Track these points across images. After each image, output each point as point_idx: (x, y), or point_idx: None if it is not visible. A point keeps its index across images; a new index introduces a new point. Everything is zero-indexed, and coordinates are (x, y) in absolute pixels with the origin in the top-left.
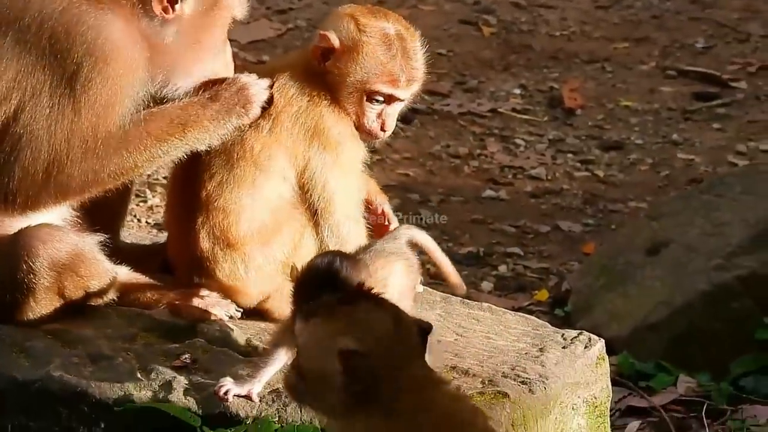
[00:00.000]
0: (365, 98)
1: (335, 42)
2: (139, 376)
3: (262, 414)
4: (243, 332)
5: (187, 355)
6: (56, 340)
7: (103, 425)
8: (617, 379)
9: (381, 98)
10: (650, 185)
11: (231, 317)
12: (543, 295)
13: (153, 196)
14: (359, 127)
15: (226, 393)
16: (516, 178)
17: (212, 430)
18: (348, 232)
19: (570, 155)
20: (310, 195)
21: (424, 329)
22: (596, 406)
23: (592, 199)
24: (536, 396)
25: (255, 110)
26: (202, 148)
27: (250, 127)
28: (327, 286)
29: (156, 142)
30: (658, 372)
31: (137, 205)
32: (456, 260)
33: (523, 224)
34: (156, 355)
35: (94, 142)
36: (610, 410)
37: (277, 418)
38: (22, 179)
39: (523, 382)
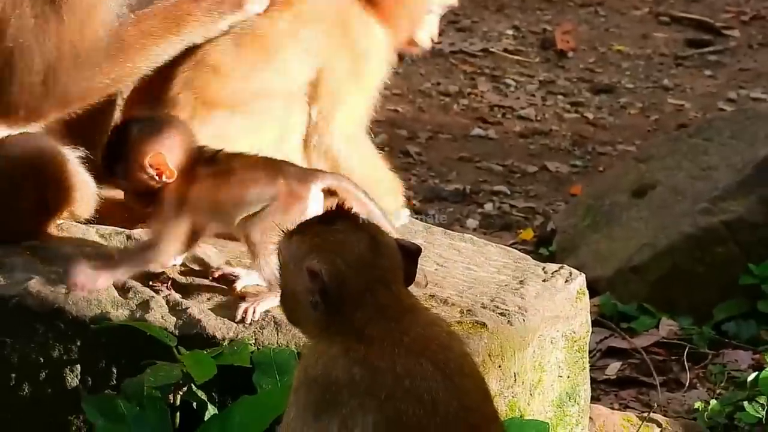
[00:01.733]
0: (425, 8)
1: None
2: (116, 294)
3: (239, 336)
4: (222, 255)
5: (165, 275)
6: (34, 257)
7: (79, 343)
8: (599, 320)
9: (438, 8)
10: (639, 129)
11: None
12: (528, 234)
13: None
14: (408, 39)
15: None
16: (505, 117)
17: (188, 351)
18: (339, 152)
19: (560, 97)
20: (312, 100)
21: (411, 251)
22: (575, 341)
23: (580, 141)
24: (515, 328)
25: (251, 5)
26: (200, 41)
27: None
28: None
29: (152, 40)
30: (640, 314)
31: None
32: (442, 197)
33: (510, 164)
34: (134, 274)
35: (83, 47)
36: (591, 351)
37: (253, 341)
38: (20, 92)
39: (501, 314)
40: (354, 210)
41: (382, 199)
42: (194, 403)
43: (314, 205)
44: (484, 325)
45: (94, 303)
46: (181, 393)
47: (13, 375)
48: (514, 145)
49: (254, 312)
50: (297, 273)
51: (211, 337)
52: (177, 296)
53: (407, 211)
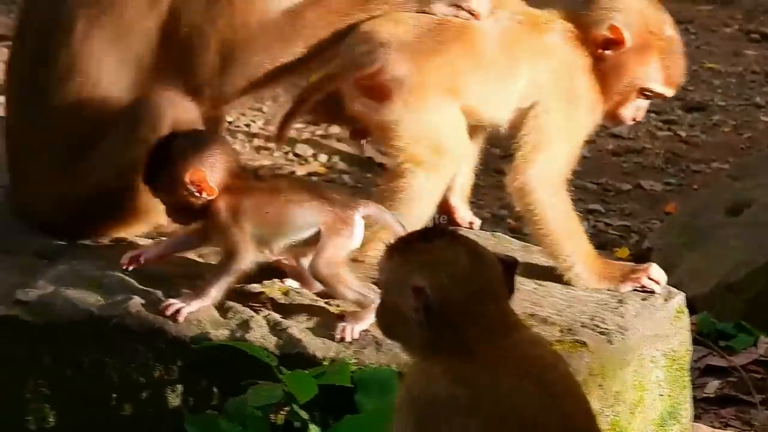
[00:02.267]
0: (636, 93)
1: (627, 40)
2: (216, 315)
3: (340, 356)
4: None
5: (264, 295)
6: (134, 277)
7: (180, 363)
8: (697, 338)
9: (650, 95)
10: (733, 147)
11: None
12: (624, 252)
13: None
14: (612, 112)
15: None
16: (598, 136)
17: (289, 370)
18: (534, 193)
19: (653, 115)
20: (516, 128)
21: (509, 264)
22: (675, 360)
23: (674, 159)
24: (615, 347)
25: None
26: None
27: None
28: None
29: (339, 18)
30: (738, 332)
31: None
32: None
33: (604, 182)
34: (234, 294)
35: (261, 26)
36: (690, 369)
37: (354, 360)
38: (201, 75)
39: (602, 333)
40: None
41: (567, 260)
42: (296, 423)
43: (358, 232)
44: (584, 344)
45: (195, 323)
46: (283, 413)
47: (115, 395)
48: (607, 163)
49: (353, 331)
50: (400, 291)
51: (311, 356)
52: (277, 316)
53: (594, 279)
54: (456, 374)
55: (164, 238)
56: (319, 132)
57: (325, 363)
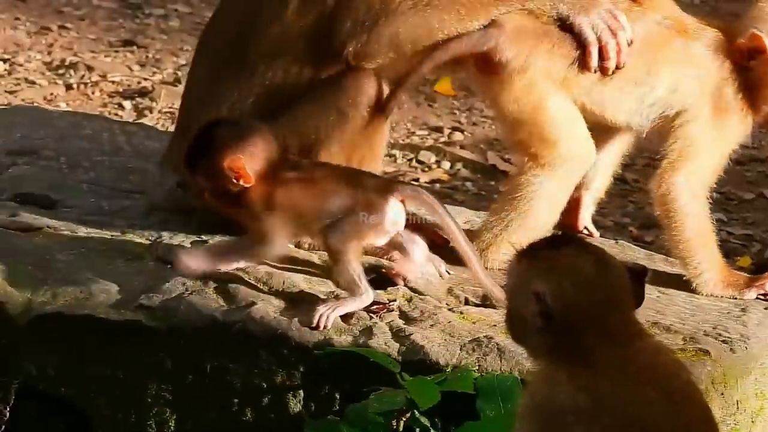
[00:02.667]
0: None
1: None
2: (339, 321)
3: (462, 362)
4: (446, 282)
5: (388, 302)
6: (257, 282)
7: (302, 368)
8: None
9: None
10: None
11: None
12: (745, 261)
13: None
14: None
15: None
16: None
17: (411, 377)
18: (677, 200)
19: None
20: (661, 135)
21: (638, 273)
22: None
23: None
24: (737, 356)
25: (594, 19)
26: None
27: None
28: None
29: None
30: None
31: None
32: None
33: (727, 191)
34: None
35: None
36: None
37: (477, 367)
38: (344, 34)
39: (724, 341)
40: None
41: (697, 268)
42: (417, 429)
43: (393, 216)
44: (707, 352)
45: (318, 329)
46: (404, 419)
47: (236, 400)
48: (730, 172)
49: (328, 318)
50: (523, 295)
51: (434, 363)
52: (400, 322)
53: (720, 287)
54: (579, 381)
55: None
56: (442, 139)
57: (447, 370)
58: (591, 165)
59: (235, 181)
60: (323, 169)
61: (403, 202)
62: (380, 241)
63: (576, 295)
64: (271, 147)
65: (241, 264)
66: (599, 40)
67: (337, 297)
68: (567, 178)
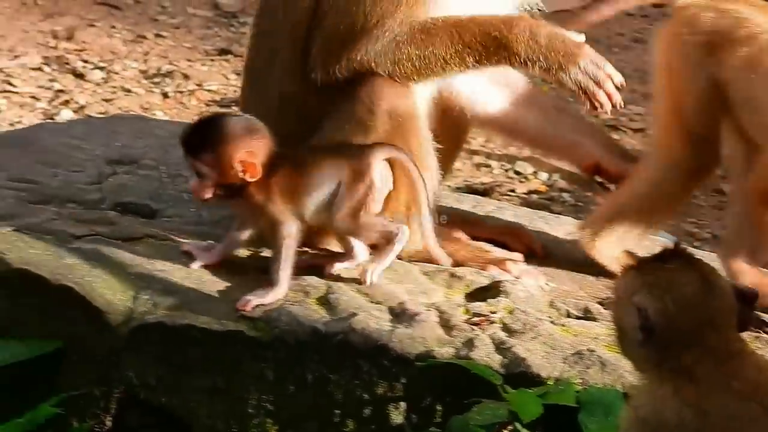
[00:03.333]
0: None
1: None
2: (441, 332)
3: (564, 375)
4: (547, 294)
5: (490, 314)
6: (359, 293)
7: (403, 380)
8: None
9: None
10: None
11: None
12: None
13: None
14: None
15: None
16: None
17: (513, 389)
18: None
19: None
20: None
21: (746, 295)
22: None
23: None
24: None
25: (575, 75)
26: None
27: None
28: None
29: (463, 47)
30: None
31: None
32: None
33: None
34: (459, 312)
35: (396, 22)
36: None
37: (579, 380)
38: (322, 48)
39: None
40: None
41: None
42: None
43: (378, 177)
44: None
45: (419, 340)
46: None
47: (338, 411)
48: None
49: (373, 273)
50: (627, 308)
51: (536, 375)
52: (502, 335)
53: None
54: (684, 396)
55: (212, 242)
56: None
57: (549, 382)
58: None
59: (241, 173)
60: (314, 151)
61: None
62: (378, 203)
63: (677, 313)
64: (270, 142)
65: (291, 260)
66: (586, 92)
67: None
68: None
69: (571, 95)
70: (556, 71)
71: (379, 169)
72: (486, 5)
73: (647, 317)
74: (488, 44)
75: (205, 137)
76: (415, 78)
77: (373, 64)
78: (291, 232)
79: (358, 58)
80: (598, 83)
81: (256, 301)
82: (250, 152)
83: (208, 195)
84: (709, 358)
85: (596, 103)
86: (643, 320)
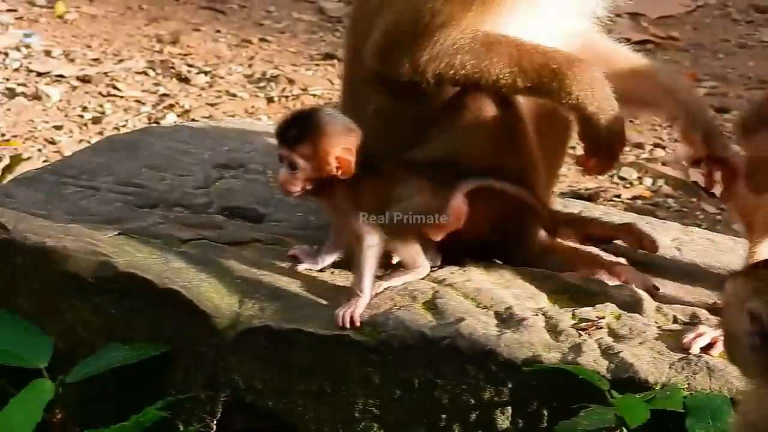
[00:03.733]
0: None
1: None
2: (548, 337)
3: (671, 381)
4: (654, 300)
5: (597, 319)
6: (466, 298)
7: (510, 385)
8: None
9: None
10: None
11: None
12: None
13: None
14: None
15: None
16: None
17: (620, 394)
18: None
19: None
20: None
21: None
22: None
23: None
24: None
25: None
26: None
27: None
28: None
29: (519, 71)
30: None
31: None
32: None
33: None
34: (566, 317)
35: (460, 27)
36: None
37: (686, 386)
38: (381, 36)
39: None
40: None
41: None
42: None
43: (454, 205)
44: None
45: (526, 345)
46: None
47: (444, 416)
48: None
49: (347, 320)
50: (738, 314)
51: (643, 381)
52: (609, 340)
53: None
54: None
55: (319, 247)
56: (644, 155)
57: (656, 388)
58: None
59: (335, 169)
60: (401, 164)
61: (466, 195)
62: (435, 233)
63: None
64: (363, 145)
65: (373, 269)
66: (599, 150)
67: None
68: None
69: (583, 144)
70: (594, 122)
71: (457, 201)
72: (552, 25)
73: (762, 322)
74: (544, 75)
75: (303, 129)
76: (457, 87)
77: (425, 63)
78: (374, 242)
79: (413, 55)
80: (611, 148)
81: (348, 313)
82: (347, 149)
83: (296, 188)
84: None
85: (599, 165)
86: (756, 326)
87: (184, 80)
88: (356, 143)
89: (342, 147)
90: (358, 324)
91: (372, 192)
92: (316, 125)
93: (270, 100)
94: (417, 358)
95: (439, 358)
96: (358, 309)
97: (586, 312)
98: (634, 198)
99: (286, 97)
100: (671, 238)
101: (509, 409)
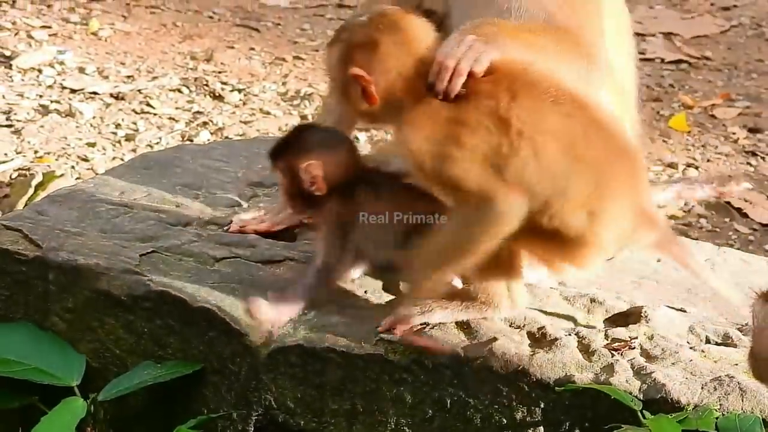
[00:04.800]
0: None
1: None
2: (580, 357)
3: (703, 401)
4: (686, 320)
5: (630, 340)
6: (501, 319)
7: (542, 404)
8: None
9: None
10: None
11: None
12: None
13: None
14: None
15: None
16: None
17: (652, 415)
18: None
19: None
20: None
21: None
22: None
23: None
24: None
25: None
26: None
27: None
28: None
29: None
30: None
31: None
32: None
33: None
34: (599, 337)
35: None
36: None
37: (718, 406)
38: None
39: None
40: None
41: None
42: None
43: None
44: None
45: (559, 365)
46: None
47: None
48: None
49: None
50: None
51: (675, 401)
52: (641, 360)
53: None
54: None
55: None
56: (677, 175)
57: (688, 408)
58: None
59: (309, 185)
60: (406, 192)
61: None
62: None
63: None
64: (355, 162)
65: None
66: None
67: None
68: None
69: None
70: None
71: None
72: None
73: None
74: None
75: (283, 144)
76: None
77: None
78: (338, 279)
79: None
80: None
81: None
82: (316, 165)
83: (288, 204)
84: None
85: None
86: None
87: (218, 98)
88: (334, 161)
89: (308, 162)
90: (271, 325)
91: (333, 211)
92: (292, 141)
93: (304, 118)
94: (449, 378)
95: (471, 377)
96: (284, 315)
97: (619, 332)
98: (668, 218)
99: None
100: (704, 259)
101: (541, 429)
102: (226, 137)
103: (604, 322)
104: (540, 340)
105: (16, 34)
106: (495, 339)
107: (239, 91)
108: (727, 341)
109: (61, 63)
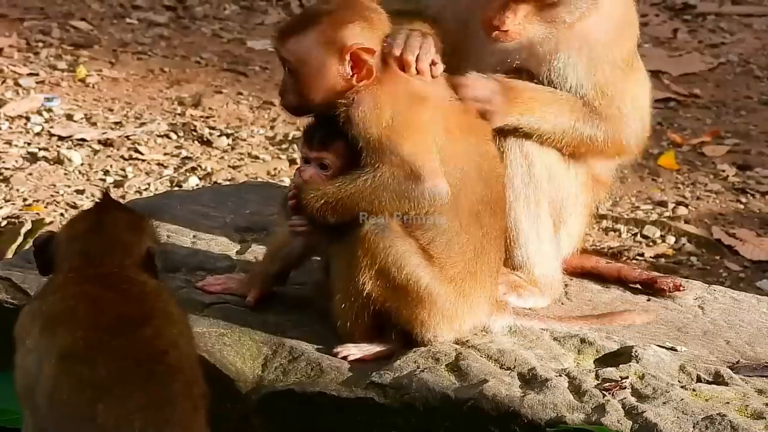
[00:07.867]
0: None
1: None
2: (571, 398)
3: None
4: (677, 359)
5: (621, 379)
6: (489, 359)
7: None
8: None
9: None
10: None
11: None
12: None
13: None
14: None
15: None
16: None
17: None
18: None
19: None
20: None
21: None
22: None
23: None
24: None
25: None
26: None
27: None
28: None
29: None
30: None
31: None
32: None
33: None
34: (590, 378)
35: None
36: None
37: None
38: None
39: None
40: None
41: None
42: None
43: None
44: None
45: (550, 407)
46: None
47: None
48: None
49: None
50: None
51: None
52: (632, 400)
53: None
54: None
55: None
56: (667, 214)
57: None
58: None
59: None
60: None
61: None
62: None
63: None
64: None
65: None
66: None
67: None
68: None
69: None
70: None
71: None
72: None
73: None
74: None
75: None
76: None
77: None
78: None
79: None
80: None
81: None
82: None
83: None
84: None
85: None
86: None
87: (206, 143)
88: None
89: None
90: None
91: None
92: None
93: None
94: (441, 420)
95: (462, 419)
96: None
97: (610, 372)
98: (657, 256)
99: None
100: (694, 297)
101: None
102: (215, 182)
103: (594, 362)
104: (530, 381)
105: (3, 81)
106: (485, 380)
107: (227, 135)
108: (718, 380)
109: (49, 110)
